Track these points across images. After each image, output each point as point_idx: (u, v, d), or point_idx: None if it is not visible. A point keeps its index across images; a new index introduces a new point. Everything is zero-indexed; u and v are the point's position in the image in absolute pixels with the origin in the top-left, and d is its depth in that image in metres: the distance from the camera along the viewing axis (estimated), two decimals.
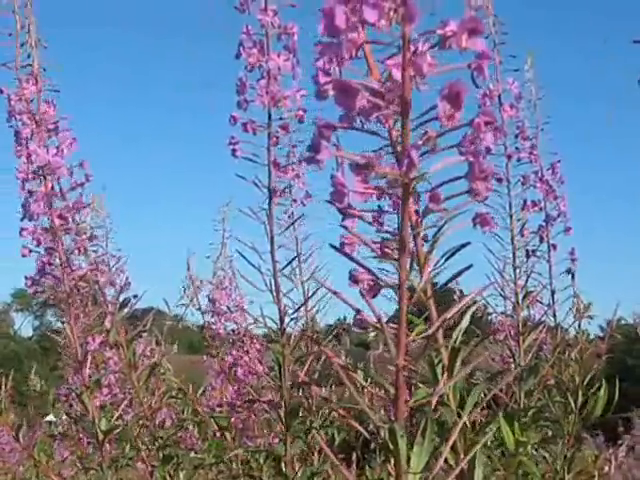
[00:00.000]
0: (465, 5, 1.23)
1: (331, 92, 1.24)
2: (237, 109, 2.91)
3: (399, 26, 1.23)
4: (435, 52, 1.24)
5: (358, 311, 1.35)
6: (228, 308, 4.79)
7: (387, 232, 1.40)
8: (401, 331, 1.34)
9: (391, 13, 1.19)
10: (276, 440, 3.88)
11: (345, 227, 1.33)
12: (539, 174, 3.68)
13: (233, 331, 4.41)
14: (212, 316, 4.94)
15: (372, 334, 1.46)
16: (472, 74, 1.27)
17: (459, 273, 1.38)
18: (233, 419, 4.22)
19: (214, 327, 4.93)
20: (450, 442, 1.49)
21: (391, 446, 1.36)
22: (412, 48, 1.25)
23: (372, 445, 4.93)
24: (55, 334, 3.82)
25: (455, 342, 1.89)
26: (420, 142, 1.25)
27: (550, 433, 3.48)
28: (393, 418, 1.38)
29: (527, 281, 3.61)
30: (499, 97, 3.53)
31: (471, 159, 1.25)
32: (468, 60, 1.25)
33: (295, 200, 3.39)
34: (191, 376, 5.24)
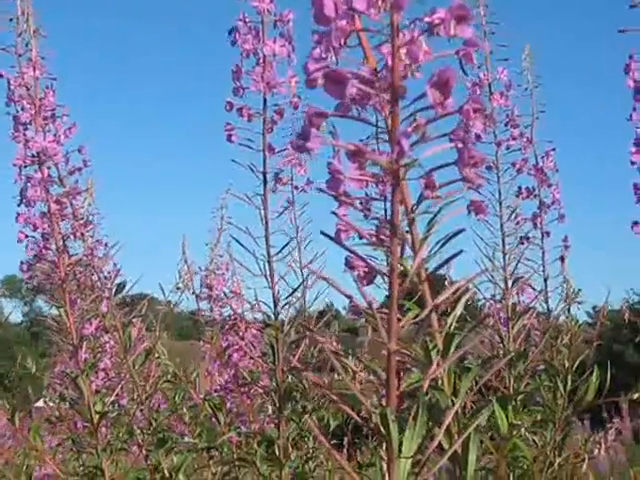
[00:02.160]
0: None
1: (320, 81, 1.25)
2: (233, 95, 2.93)
3: (388, 13, 1.24)
4: (424, 39, 1.26)
5: (350, 297, 1.36)
6: (224, 294, 4.81)
7: (379, 219, 1.41)
8: (392, 316, 1.35)
9: (380, 1, 1.21)
10: (271, 425, 3.90)
11: (338, 215, 1.34)
12: (534, 162, 3.70)
13: (229, 316, 4.42)
14: (208, 302, 4.96)
15: (362, 320, 1.47)
16: (460, 61, 1.28)
17: (450, 258, 1.39)
18: (228, 404, 4.25)
19: (210, 313, 4.96)
20: (444, 426, 1.50)
21: (383, 430, 1.38)
22: (402, 35, 1.26)
23: (364, 430, 4.96)
24: (47, 319, 3.83)
25: (450, 328, 1.90)
26: (410, 129, 1.26)
27: (540, 417, 3.51)
28: (385, 402, 1.39)
29: (516, 267, 3.64)
30: (489, 86, 3.56)
31: (460, 146, 1.26)
32: (456, 47, 1.27)
33: (297, 187, 3.43)
34: (182, 362, 5.26)
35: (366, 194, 1.45)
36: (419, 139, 1.28)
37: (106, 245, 4.06)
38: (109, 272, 4.02)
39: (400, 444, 1.40)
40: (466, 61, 1.26)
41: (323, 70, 1.24)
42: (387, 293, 1.41)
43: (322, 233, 1.37)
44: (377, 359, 1.51)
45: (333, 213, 1.33)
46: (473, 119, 1.25)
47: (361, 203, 1.39)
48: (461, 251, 1.40)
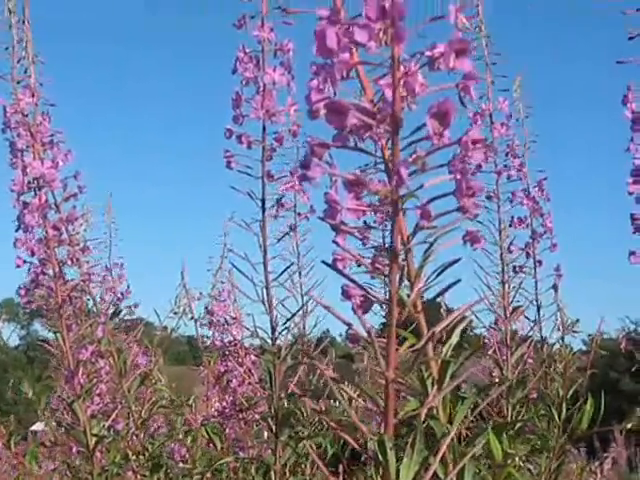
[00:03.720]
0: (453, 26, 1.25)
1: (323, 111, 1.27)
2: (233, 123, 2.96)
3: (389, 47, 1.26)
4: (425, 73, 1.28)
5: (349, 325, 1.37)
6: (225, 320, 4.83)
7: (378, 248, 1.43)
8: (390, 344, 1.36)
9: (381, 34, 1.23)
10: (268, 451, 3.91)
11: (337, 243, 1.35)
12: (526, 191, 3.73)
13: (230, 342, 4.44)
14: (209, 327, 4.98)
15: (358, 347, 1.48)
16: (459, 94, 1.30)
17: (448, 287, 1.41)
18: (228, 429, 4.25)
19: (210, 338, 4.98)
20: (440, 454, 1.51)
21: (380, 458, 1.39)
22: (402, 68, 1.28)
23: (360, 458, 4.96)
24: (44, 344, 3.84)
25: (445, 356, 1.91)
26: (409, 160, 1.28)
27: (536, 446, 3.51)
28: (382, 430, 1.40)
29: (514, 296, 3.66)
30: (490, 116, 3.60)
31: (458, 177, 1.28)
32: (457, 80, 1.29)
33: (299, 214, 3.45)
34: (179, 387, 5.25)
35: (365, 223, 1.46)
36: (418, 169, 1.30)
37: (121, 266, 4.11)
38: (121, 292, 4.06)
39: (397, 472, 1.41)
40: (465, 94, 1.28)
41: (325, 101, 1.26)
42: (384, 321, 1.42)
43: (323, 262, 1.38)
44: (373, 386, 1.53)
45: (334, 242, 1.34)
46: (472, 150, 1.27)
47: (360, 232, 1.40)
48: (458, 280, 1.41)
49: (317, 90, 1.28)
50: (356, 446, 1.51)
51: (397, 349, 1.39)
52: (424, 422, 1.90)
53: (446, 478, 1.87)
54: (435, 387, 1.83)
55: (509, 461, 2.49)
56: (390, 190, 1.29)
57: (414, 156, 1.29)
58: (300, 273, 3.77)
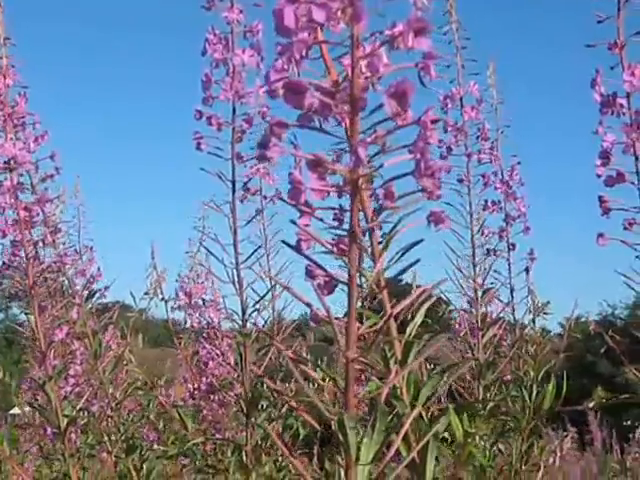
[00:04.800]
0: (411, 5, 1.25)
1: (281, 91, 1.27)
2: (202, 104, 2.96)
3: (348, 26, 1.26)
4: (386, 52, 1.28)
5: (309, 305, 1.38)
6: (203, 301, 4.84)
7: (342, 229, 1.43)
8: (351, 324, 1.37)
9: (339, 13, 1.22)
10: (243, 433, 3.92)
11: (299, 224, 1.36)
12: (499, 175, 3.76)
13: (208, 324, 4.44)
14: (186, 309, 4.99)
15: (325, 328, 1.49)
16: (419, 73, 1.30)
17: (407, 267, 1.42)
18: (204, 411, 4.26)
19: (186, 320, 4.99)
20: (402, 433, 1.51)
21: (341, 437, 1.39)
22: (364, 48, 1.28)
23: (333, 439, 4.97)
24: (20, 326, 3.84)
25: (409, 336, 1.92)
26: (368, 140, 1.28)
27: (508, 427, 3.54)
28: (342, 409, 1.41)
29: (486, 278, 3.68)
30: (461, 99, 3.61)
31: (418, 156, 1.28)
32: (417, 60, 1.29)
33: (265, 197, 3.45)
34: (157, 369, 5.26)
35: (341, 206, 1.47)
36: (380, 150, 1.30)
37: (91, 249, 4.10)
38: (92, 275, 4.05)
39: (358, 451, 1.42)
40: (425, 73, 1.27)
41: (283, 80, 1.25)
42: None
43: (283, 242, 1.38)
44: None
45: (292, 222, 1.35)
46: (431, 130, 1.27)
47: (333, 214, 1.41)
48: (418, 260, 1.42)
49: (277, 70, 1.28)
50: (317, 426, 1.51)
51: (358, 328, 1.39)
52: (391, 403, 1.91)
53: (408, 456, 1.88)
54: (397, 367, 1.83)
55: (469, 440, 2.50)
56: (349, 170, 1.29)
57: (373, 136, 1.29)
58: (268, 256, 3.77)
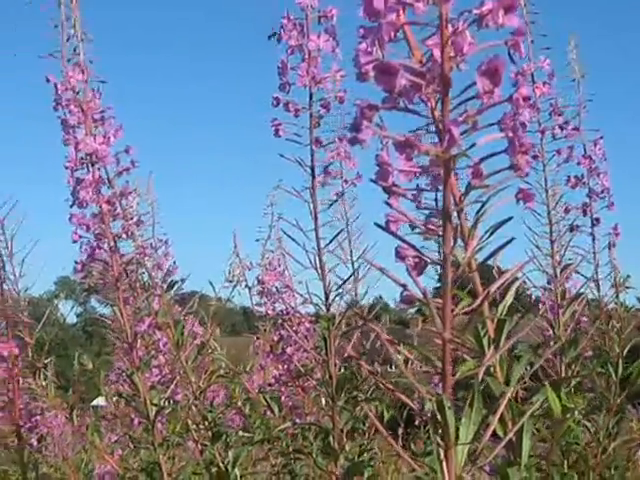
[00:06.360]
0: None
1: (372, 73, 1.27)
2: (279, 91, 2.97)
3: (436, 6, 1.26)
4: (472, 31, 1.27)
5: (405, 287, 1.38)
6: (277, 289, 4.86)
7: (429, 209, 1.43)
8: (446, 305, 1.36)
9: None
10: (326, 418, 3.94)
11: (390, 205, 1.36)
12: (583, 151, 3.70)
13: (282, 311, 4.46)
14: (261, 297, 5.01)
15: (412, 311, 1.49)
16: (509, 51, 1.29)
17: (502, 246, 1.41)
18: (283, 397, 4.29)
19: (263, 308, 5.01)
20: (498, 413, 1.51)
21: (439, 418, 1.39)
22: (450, 27, 1.27)
23: (416, 421, 4.98)
24: (102, 319, 3.90)
25: (501, 315, 1.92)
26: (460, 119, 1.28)
27: (593, 403, 3.51)
28: (441, 390, 1.41)
29: (564, 254, 3.64)
30: (532, 75, 3.56)
31: (510, 134, 1.28)
32: (503, 38, 1.28)
33: (346, 180, 3.45)
34: (235, 357, 5.31)
35: (417, 186, 1.46)
36: (468, 129, 1.29)
37: (166, 242, 4.14)
38: (168, 269, 4.09)
39: (456, 431, 1.42)
40: (514, 50, 1.27)
41: (374, 63, 1.26)
42: (439, 283, 1.42)
43: (376, 224, 1.38)
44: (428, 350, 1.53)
45: (387, 204, 1.35)
46: (522, 107, 1.27)
47: (415, 195, 1.40)
48: (512, 239, 1.41)
49: (365, 52, 1.28)
50: (414, 407, 1.52)
51: (453, 309, 1.39)
52: (481, 382, 1.91)
53: (505, 437, 1.87)
54: (492, 346, 1.83)
55: (568, 415, 2.49)
56: (442, 150, 1.29)
57: (464, 115, 1.29)
58: (350, 240, 3.78)
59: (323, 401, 3.93)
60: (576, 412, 2.77)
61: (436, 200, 1.45)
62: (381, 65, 1.25)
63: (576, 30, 3.80)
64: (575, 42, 3.76)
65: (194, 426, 3.91)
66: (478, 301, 1.44)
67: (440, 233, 1.37)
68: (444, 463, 1.42)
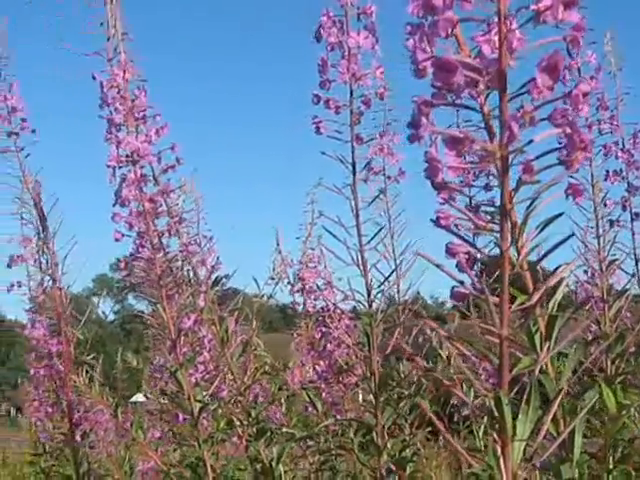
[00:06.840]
0: None
1: (430, 69, 1.27)
2: (319, 88, 2.97)
3: (493, 2, 1.26)
4: (527, 28, 1.27)
5: (461, 283, 1.38)
6: (317, 286, 4.86)
7: (482, 205, 1.42)
8: (503, 302, 1.36)
9: None
10: (366, 414, 3.93)
11: (446, 201, 1.35)
12: (620, 144, 3.67)
13: (322, 308, 4.47)
14: (301, 294, 5.02)
15: (449, 307, 1.49)
16: (567, 46, 1.29)
17: (560, 243, 1.40)
18: (324, 394, 4.29)
19: (303, 305, 5.02)
20: (553, 409, 1.51)
21: (497, 414, 1.39)
22: (507, 23, 1.27)
23: (455, 418, 4.97)
24: (141, 316, 3.91)
25: (552, 312, 1.91)
26: (519, 115, 1.27)
27: None
28: (497, 386, 1.41)
29: (609, 250, 3.61)
30: (578, 70, 3.53)
31: (568, 130, 1.27)
32: (559, 34, 1.27)
33: (389, 177, 3.45)
34: (273, 354, 5.31)
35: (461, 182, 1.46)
36: (523, 125, 1.29)
37: (210, 239, 4.16)
38: (212, 265, 4.11)
39: (513, 427, 1.41)
40: (573, 45, 1.26)
41: (432, 59, 1.25)
42: (495, 280, 1.42)
43: (431, 220, 1.38)
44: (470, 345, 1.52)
45: (443, 199, 1.34)
46: (582, 103, 1.26)
47: (463, 191, 1.40)
48: (572, 235, 1.40)
49: (421, 49, 1.28)
50: (468, 401, 1.52)
51: (509, 307, 1.39)
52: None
53: (557, 434, 1.87)
54: (547, 344, 1.82)
55: (623, 412, 2.47)
56: (500, 146, 1.28)
57: (522, 111, 1.28)
58: (392, 236, 3.77)
59: (361, 397, 3.93)
60: (632, 409, 2.75)
61: (481, 197, 1.44)
62: (440, 61, 1.25)
63: (612, 22, 3.77)
64: (611, 34, 3.73)
65: (238, 422, 3.92)
66: (535, 298, 1.44)
67: (491, 229, 1.37)
68: (501, 459, 1.42)
